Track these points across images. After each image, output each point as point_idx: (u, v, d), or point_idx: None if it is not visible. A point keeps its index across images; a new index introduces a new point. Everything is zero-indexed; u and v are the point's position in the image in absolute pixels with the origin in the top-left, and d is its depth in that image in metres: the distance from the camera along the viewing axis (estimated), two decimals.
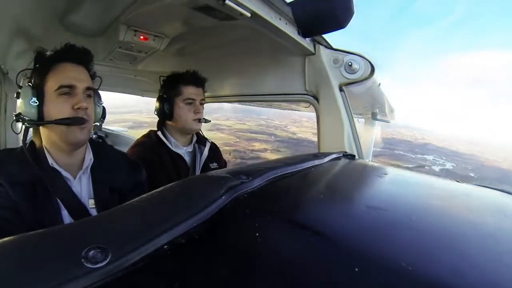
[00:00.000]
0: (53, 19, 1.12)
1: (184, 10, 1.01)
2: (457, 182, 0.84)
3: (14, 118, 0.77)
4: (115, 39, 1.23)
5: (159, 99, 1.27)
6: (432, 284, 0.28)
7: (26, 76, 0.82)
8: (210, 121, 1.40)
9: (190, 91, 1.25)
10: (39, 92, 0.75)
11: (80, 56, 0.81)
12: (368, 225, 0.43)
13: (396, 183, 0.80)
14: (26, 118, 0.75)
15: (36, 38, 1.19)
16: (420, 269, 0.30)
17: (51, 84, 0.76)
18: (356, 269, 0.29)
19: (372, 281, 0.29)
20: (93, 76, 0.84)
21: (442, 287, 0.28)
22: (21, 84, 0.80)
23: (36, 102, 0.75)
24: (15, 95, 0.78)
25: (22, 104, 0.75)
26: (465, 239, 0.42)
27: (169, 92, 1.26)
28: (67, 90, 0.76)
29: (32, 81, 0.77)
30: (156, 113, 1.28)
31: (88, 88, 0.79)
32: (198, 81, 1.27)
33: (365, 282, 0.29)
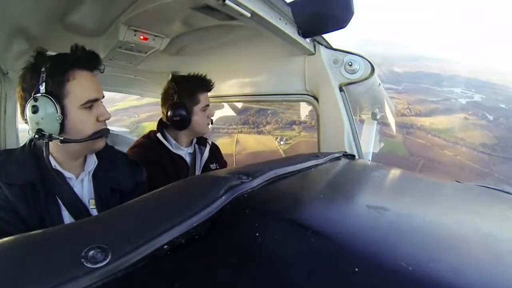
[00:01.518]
0: (53, 19, 1.11)
1: (184, 10, 1.01)
2: (457, 182, 0.85)
3: (35, 136, 0.71)
4: (115, 39, 1.23)
5: (175, 108, 1.21)
6: (432, 284, 0.28)
7: (24, 80, 0.75)
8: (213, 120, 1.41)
9: (206, 97, 1.26)
10: (60, 104, 0.71)
11: (96, 63, 0.79)
12: (368, 225, 0.43)
13: (396, 183, 0.80)
14: (54, 136, 0.71)
15: (36, 38, 1.19)
16: (420, 269, 0.30)
17: (75, 97, 0.73)
18: (356, 269, 0.29)
19: (372, 281, 0.29)
20: None
21: (442, 287, 0.28)
22: (18, 86, 0.74)
23: (61, 117, 0.70)
24: (29, 109, 0.70)
25: (44, 121, 0.70)
26: (465, 239, 0.42)
27: (186, 101, 1.22)
28: (91, 104, 0.76)
29: (46, 89, 0.71)
30: (169, 121, 1.23)
31: (103, 96, 0.81)
32: (210, 86, 1.29)
33: (365, 282, 0.29)
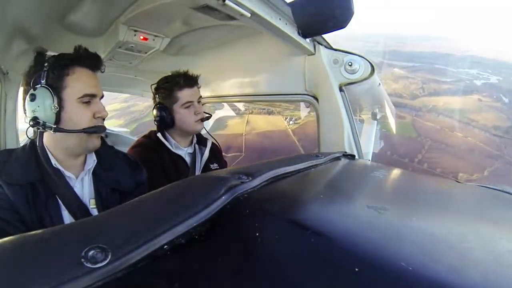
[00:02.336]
0: (53, 19, 1.11)
1: (184, 10, 1.01)
2: (457, 182, 0.85)
3: (30, 123, 0.73)
4: (115, 39, 1.23)
5: (157, 109, 1.24)
6: (432, 284, 0.28)
7: (28, 75, 0.78)
8: (211, 116, 1.39)
9: (186, 94, 1.22)
10: (58, 96, 0.73)
11: (97, 63, 0.81)
12: (368, 225, 0.43)
13: (396, 183, 0.80)
14: (48, 125, 0.73)
15: (36, 38, 1.19)
16: (420, 269, 0.30)
17: (73, 90, 0.75)
18: (356, 269, 0.29)
19: (372, 281, 0.29)
20: None
21: (442, 287, 0.28)
22: (20, 85, 0.79)
23: (57, 108, 0.73)
24: (28, 97, 0.74)
25: (40, 109, 0.72)
26: (466, 239, 0.42)
27: (165, 101, 1.24)
28: (88, 99, 0.77)
29: (47, 82, 0.74)
30: (156, 122, 1.26)
31: (102, 96, 0.82)
32: (191, 81, 1.25)
33: (365, 282, 0.29)
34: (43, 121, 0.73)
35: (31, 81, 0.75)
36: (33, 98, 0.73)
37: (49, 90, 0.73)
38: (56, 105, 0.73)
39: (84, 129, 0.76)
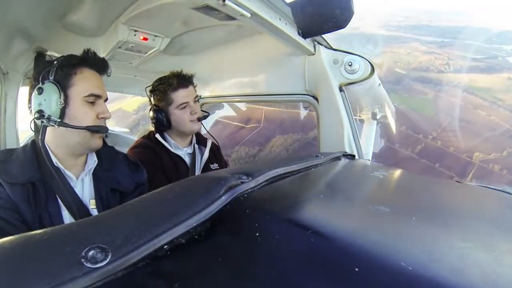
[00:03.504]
0: (53, 19, 1.11)
1: (184, 10, 1.01)
2: (457, 182, 0.85)
3: (36, 115, 0.74)
4: (115, 39, 1.23)
5: (153, 111, 1.23)
6: (432, 284, 0.28)
7: (37, 71, 0.79)
8: (208, 114, 1.38)
9: (181, 95, 1.21)
10: (65, 93, 0.75)
11: (104, 67, 0.83)
12: (368, 225, 0.43)
13: (396, 183, 0.80)
14: (53, 118, 0.74)
15: (36, 38, 1.19)
16: (420, 269, 0.30)
17: (79, 89, 0.77)
18: (356, 269, 0.29)
19: (372, 281, 0.29)
20: None
21: (442, 287, 0.28)
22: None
23: (63, 104, 0.74)
24: (36, 91, 0.75)
25: (46, 103, 0.74)
26: (466, 239, 0.42)
27: (160, 103, 1.23)
28: (93, 99, 0.79)
29: (55, 78, 0.76)
30: (153, 125, 1.26)
31: (106, 98, 0.84)
32: (185, 81, 1.23)
33: (365, 282, 0.29)
34: (48, 115, 0.74)
35: (39, 77, 0.76)
36: (40, 92, 0.74)
37: (56, 85, 0.74)
38: (62, 101, 0.74)
39: (87, 126, 0.77)
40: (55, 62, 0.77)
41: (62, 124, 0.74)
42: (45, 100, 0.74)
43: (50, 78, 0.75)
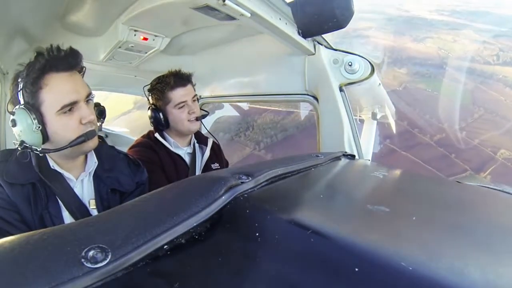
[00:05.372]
0: (53, 19, 1.12)
1: (184, 10, 1.01)
2: (458, 182, 0.85)
3: (19, 148, 0.70)
4: (115, 39, 1.23)
5: (151, 111, 1.23)
6: (432, 284, 0.28)
7: (11, 95, 0.74)
8: (208, 113, 1.38)
9: (178, 94, 1.20)
10: (36, 113, 0.69)
11: (70, 61, 0.72)
12: (368, 225, 0.43)
13: (397, 183, 0.80)
14: (34, 148, 0.70)
15: (36, 38, 1.19)
16: (420, 269, 0.30)
17: (50, 104, 0.70)
18: (356, 269, 0.29)
19: (372, 281, 0.29)
20: (83, 74, 0.78)
21: (442, 287, 0.28)
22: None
23: (39, 127, 0.69)
24: (10, 123, 0.71)
25: (23, 132, 0.69)
26: (466, 239, 0.42)
27: (158, 102, 1.23)
28: (70, 108, 0.72)
29: (23, 100, 0.70)
30: (151, 124, 1.25)
31: (88, 95, 0.75)
32: (183, 80, 1.21)
33: (365, 282, 0.29)
34: (30, 145, 0.70)
35: (13, 99, 0.73)
36: (14, 124, 0.70)
37: (26, 110, 0.69)
38: (38, 124, 0.69)
39: (70, 143, 0.72)
40: (19, 80, 0.70)
41: (44, 151, 0.71)
42: (21, 131, 0.69)
43: (20, 102, 0.70)
